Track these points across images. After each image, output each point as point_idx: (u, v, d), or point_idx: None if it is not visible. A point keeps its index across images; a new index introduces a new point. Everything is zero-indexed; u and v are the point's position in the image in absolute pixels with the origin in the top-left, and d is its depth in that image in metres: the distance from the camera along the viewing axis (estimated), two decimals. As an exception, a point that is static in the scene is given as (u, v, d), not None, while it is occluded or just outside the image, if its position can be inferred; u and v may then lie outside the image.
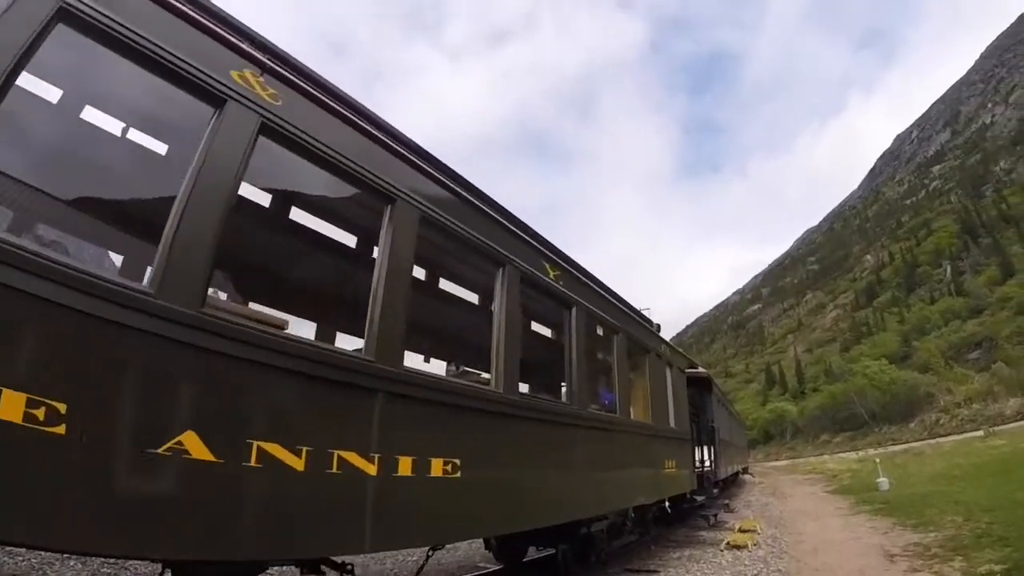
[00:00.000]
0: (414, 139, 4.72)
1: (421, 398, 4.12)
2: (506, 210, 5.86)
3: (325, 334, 6.68)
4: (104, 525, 2.39)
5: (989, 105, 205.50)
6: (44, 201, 4.18)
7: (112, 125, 4.34)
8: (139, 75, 2.99)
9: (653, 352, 10.05)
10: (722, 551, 9.84)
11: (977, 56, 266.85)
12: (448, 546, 9.94)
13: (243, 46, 3.43)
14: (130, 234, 4.15)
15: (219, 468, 2.75)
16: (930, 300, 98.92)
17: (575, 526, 6.79)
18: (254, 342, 3.02)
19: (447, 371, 6.89)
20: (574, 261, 7.30)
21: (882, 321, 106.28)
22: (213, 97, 3.17)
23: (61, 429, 2.24)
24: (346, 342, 6.41)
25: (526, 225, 6.17)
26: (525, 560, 8.16)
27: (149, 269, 2.84)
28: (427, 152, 4.83)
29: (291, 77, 3.72)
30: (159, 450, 2.54)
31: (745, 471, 33.56)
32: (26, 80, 3.58)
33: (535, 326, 9.47)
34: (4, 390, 2.11)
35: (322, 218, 5.92)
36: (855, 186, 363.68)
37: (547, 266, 6.42)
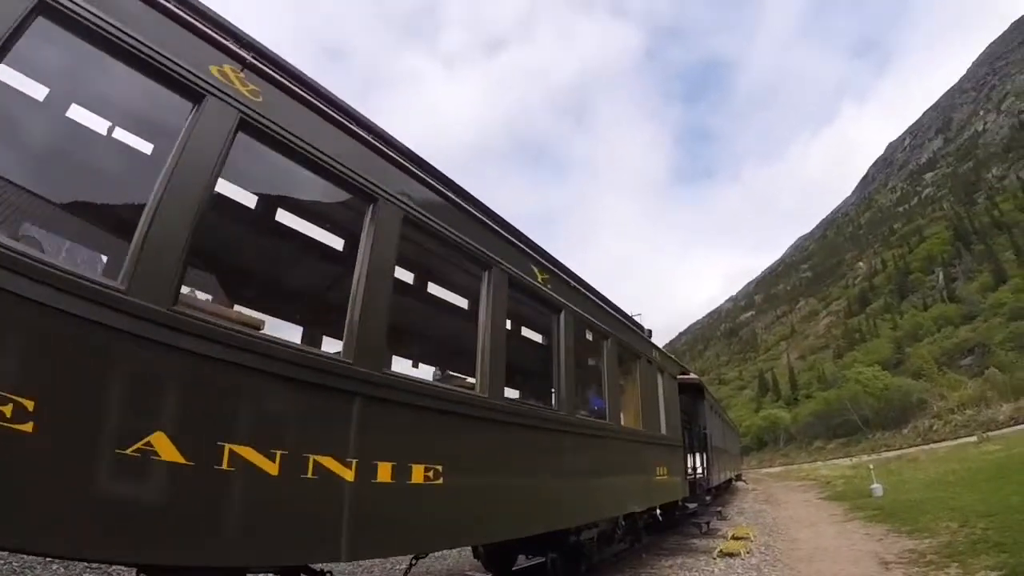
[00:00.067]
0: (398, 138, 4.64)
1: (401, 402, 4.01)
2: (492, 212, 5.77)
3: (306, 336, 6.56)
4: (70, 527, 2.32)
5: (981, 112, 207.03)
6: (14, 192, 4.09)
7: (88, 119, 4.24)
8: (117, 69, 2.94)
9: (644, 358, 9.98)
10: (715, 559, 9.79)
11: (969, 64, 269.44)
12: (437, 553, 9.84)
13: (224, 41, 3.38)
14: (103, 229, 4.07)
15: (190, 471, 2.66)
16: (923, 306, 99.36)
17: (564, 534, 6.69)
18: (227, 342, 2.93)
19: (433, 375, 6.80)
20: (563, 265, 7.21)
21: (875, 328, 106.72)
22: (191, 92, 3.11)
23: (29, 427, 2.18)
24: (329, 344, 6.32)
25: (513, 227, 6.09)
26: (515, 569, 8.04)
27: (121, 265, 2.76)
28: (411, 151, 4.74)
29: (272, 73, 3.66)
30: (127, 451, 2.46)
31: (738, 478, 33.54)
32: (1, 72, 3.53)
33: (523, 330, 9.37)
34: None
35: (302, 217, 5.81)
36: (848, 193, 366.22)
37: (535, 269, 6.33)
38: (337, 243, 6.07)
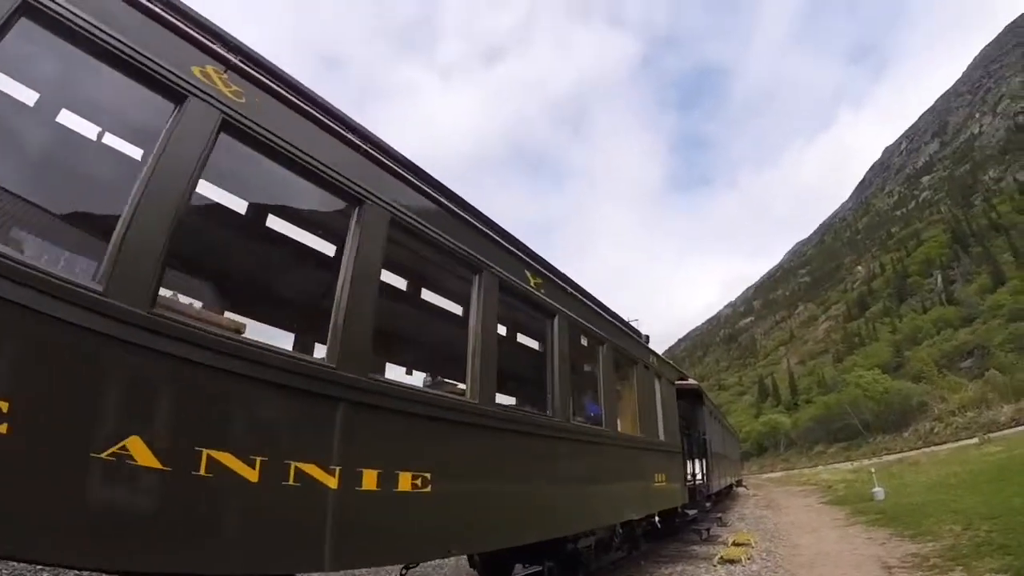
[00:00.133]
0: (384, 139, 4.59)
1: (387, 408, 3.94)
2: (483, 215, 5.72)
3: (291, 341, 6.46)
4: (44, 531, 2.27)
5: (977, 115, 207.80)
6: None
7: (69, 119, 4.19)
8: (98, 69, 2.92)
9: (641, 363, 9.90)
10: (715, 566, 9.68)
11: (965, 67, 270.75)
12: (434, 562, 9.73)
13: (207, 42, 3.36)
14: (80, 230, 4.01)
15: (167, 477, 2.61)
16: (922, 310, 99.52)
17: (561, 542, 6.60)
18: (207, 345, 2.88)
19: (424, 382, 6.71)
20: (557, 269, 7.15)
21: (874, 331, 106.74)
22: (173, 93, 3.09)
23: (3, 428, 2.13)
24: (314, 349, 6.24)
25: (505, 231, 6.03)
26: (511, 577, 7.95)
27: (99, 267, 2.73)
28: (398, 154, 4.70)
29: (256, 75, 3.63)
30: (103, 455, 2.41)
31: (739, 483, 33.40)
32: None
33: (516, 336, 9.29)
34: None
35: (286, 219, 5.72)
36: (845, 198, 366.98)
37: (528, 274, 6.27)
38: (322, 245, 5.99)
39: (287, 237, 5.84)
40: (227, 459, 2.85)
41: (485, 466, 5.03)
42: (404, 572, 4.71)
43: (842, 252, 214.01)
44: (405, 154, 4.79)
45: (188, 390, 2.80)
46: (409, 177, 4.72)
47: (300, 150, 3.70)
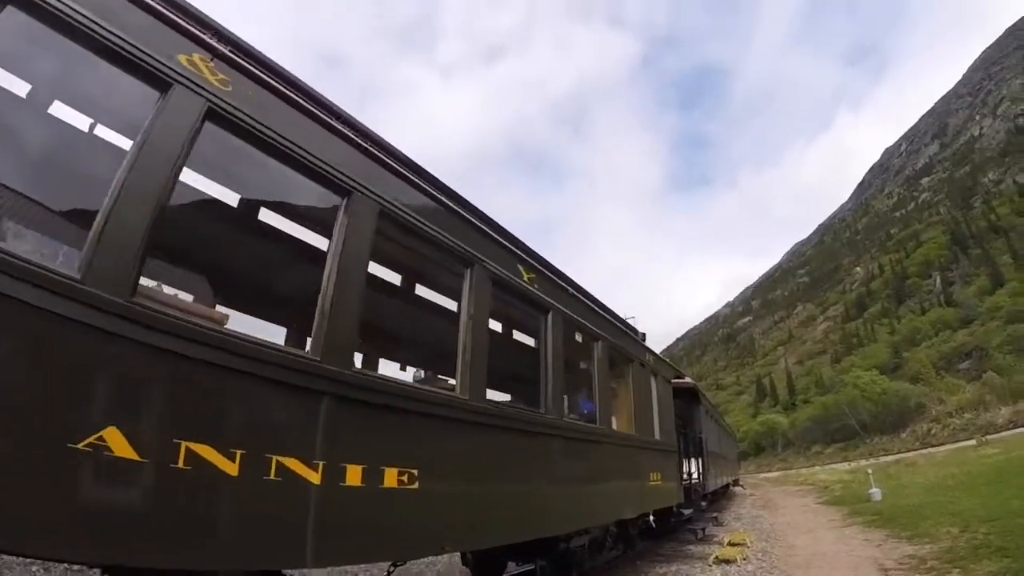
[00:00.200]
0: (374, 131, 4.53)
1: (373, 403, 3.87)
2: (475, 208, 5.65)
3: (274, 333, 6.37)
4: (19, 521, 2.23)
5: (977, 117, 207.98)
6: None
7: (54, 108, 4.16)
8: (81, 56, 2.87)
9: (637, 361, 9.84)
10: (710, 566, 9.64)
11: (965, 69, 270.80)
12: (426, 560, 9.68)
13: (193, 30, 3.29)
14: (60, 217, 3.95)
15: (144, 468, 2.55)
16: (920, 311, 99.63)
17: (554, 541, 6.54)
18: (187, 335, 2.82)
19: (414, 377, 6.64)
20: (551, 264, 7.08)
21: (872, 332, 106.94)
22: (158, 80, 3.03)
23: None
24: (300, 342, 6.17)
25: (498, 224, 5.96)
26: (504, 576, 7.90)
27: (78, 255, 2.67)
28: (388, 144, 4.63)
29: (243, 63, 3.57)
30: (79, 445, 2.35)
31: (736, 483, 33.38)
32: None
33: (509, 331, 9.20)
34: None
35: (273, 209, 5.64)
36: (845, 199, 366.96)
37: (521, 268, 6.19)
38: (309, 236, 5.89)
39: (273, 227, 5.76)
40: (206, 452, 2.79)
41: (476, 463, 4.96)
42: (391, 569, 4.64)
43: (841, 253, 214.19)
44: (396, 146, 4.73)
45: (168, 381, 2.74)
46: (400, 169, 4.65)
47: (288, 139, 3.63)
